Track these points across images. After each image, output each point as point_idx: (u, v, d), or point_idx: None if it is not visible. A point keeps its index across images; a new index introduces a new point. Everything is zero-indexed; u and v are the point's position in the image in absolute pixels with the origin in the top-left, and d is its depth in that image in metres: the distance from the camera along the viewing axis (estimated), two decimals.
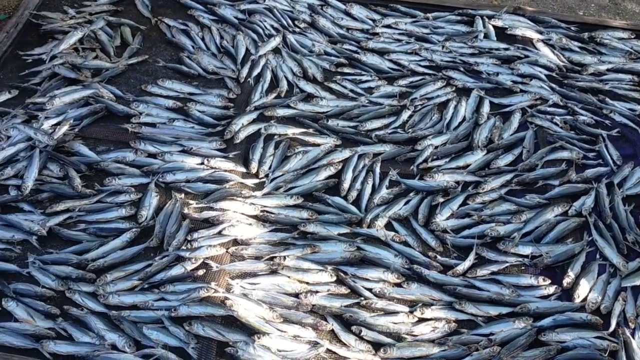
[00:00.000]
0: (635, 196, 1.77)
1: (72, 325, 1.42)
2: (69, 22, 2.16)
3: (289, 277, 1.55)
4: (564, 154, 1.86)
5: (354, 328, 1.46)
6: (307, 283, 1.54)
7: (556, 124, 1.96)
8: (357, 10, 2.36)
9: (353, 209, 1.73)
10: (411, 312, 1.50)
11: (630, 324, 1.48)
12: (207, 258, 1.56)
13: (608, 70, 2.19)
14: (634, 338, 1.45)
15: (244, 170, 1.79)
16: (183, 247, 1.58)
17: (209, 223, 1.64)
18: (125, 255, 1.57)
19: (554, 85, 2.10)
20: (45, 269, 1.52)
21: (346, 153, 1.85)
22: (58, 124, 1.81)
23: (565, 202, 1.73)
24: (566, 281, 1.56)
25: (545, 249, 1.62)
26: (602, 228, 1.67)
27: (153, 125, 1.88)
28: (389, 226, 1.70)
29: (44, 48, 2.06)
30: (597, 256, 1.62)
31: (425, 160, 1.85)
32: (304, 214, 1.69)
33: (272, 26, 2.27)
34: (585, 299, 1.52)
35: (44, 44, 2.09)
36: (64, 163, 1.73)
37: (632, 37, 2.34)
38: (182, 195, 1.70)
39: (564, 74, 2.16)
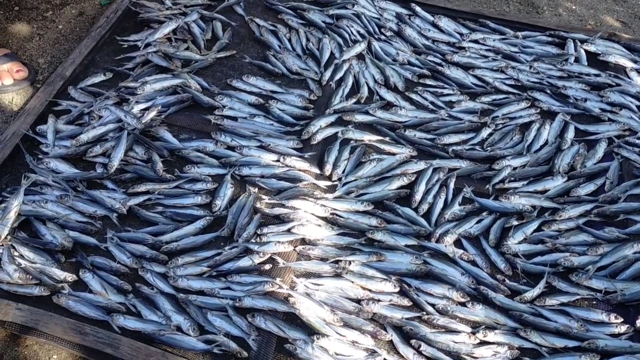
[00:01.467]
0: None
1: (141, 303, 1.48)
2: (164, 13, 2.25)
3: (352, 282, 1.55)
4: None
5: (413, 342, 1.45)
6: (370, 290, 1.55)
7: None
8: (445, 22, 2.34)
9: (423, 221, 1.72)
10: (473, 333, 1.47)
11: None
12: (274, 253, 1.58)
13: None
14: None
15: (317, 171, 1.81)
16: (252, 240, 1.61)
17: (279, 219, 1.67)
18: (196, 242, 1.61)
19: None
20: (122, 245, 1.59)
21: (421, 165, 1.84)
22: (147, 109, 1.89)
23: None
24: None
25: (620, 286, 1.55)
26: None
27: (234, 119, 1.93)
28: (458, 244, 1.68)
29: (139, 35, 2.16)
30: None
31: (502, 181, 1.81)
32: (373, 221, 1.69)
33: (358, 32, 2.29)
34: None
35: (140, 31, 2.19)
36: (148, 147, 1.81)
37: None
38: (256, 190, 1.74)
39: None
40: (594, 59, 2.23)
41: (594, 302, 1.55)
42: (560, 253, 1.64)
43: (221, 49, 2.19)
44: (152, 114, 1.85)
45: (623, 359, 1.42)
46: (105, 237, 1.60)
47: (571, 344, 1.46)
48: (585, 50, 2.25)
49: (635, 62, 2.22)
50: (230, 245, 1.61)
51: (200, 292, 1.51)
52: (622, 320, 1.50)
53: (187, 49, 2.15)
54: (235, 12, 2.36)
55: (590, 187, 1.80)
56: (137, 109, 1.87)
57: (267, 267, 1.56)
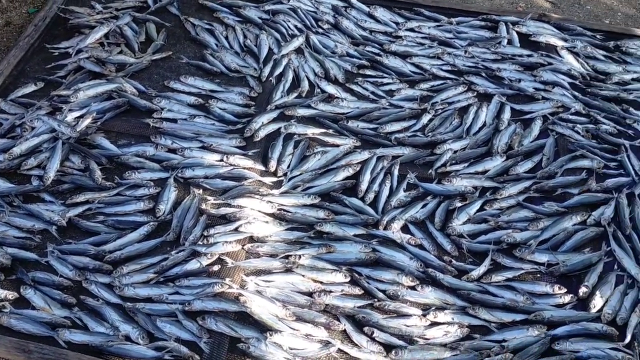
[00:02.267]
0: None
1: (87, 315, 1.44)
2: (95, 17, 2.19)
3: (303, 276, 1.55)
4: (585, 163, 1.84)
5: (366, 329, 1.46)
6: (321, 282, 1.55)
7: (578, 133, 1.94)
8: (380, 12, 2.36)
9: (370, 210, 1.73)
10: (424, 315, 1.49)
11: None
12: (222, 254, 1.57)
13: (633, 79, 2.16)
14: None
15: (262, 168, 1.80)
16: (199, 242, 1.59)
17: (225, 219, 1.65)
18: (141, 249, 1.58)
19: (576, 94, 2.08)
20: (64, 258, 1.55)
21: (365, 154, 1.85)
22: (81, 116, 1.84)
23: (584, 211, 1.71)
24: (582, 291, 1.54)
25: (562, 258, 1.60)
26: (621, 239, 1.65)
27: (174, 120, 1.90)
28: (405, 229, 1.70)
29: (70, 42, 2.10)
30: (615, 267, 1.60)
31: (444, 165, 1.84)
32: (321, 214, 1.69)
33: (295, 26, 2.28)
34: (601, 310, 1.50)
35: (71, 37, 2.13)
36: (85, 155, 1.76)
37: None
38: (200, 191, 1.72)
39: (587, 83, 2.14)
40: (526, 40, 2.29)
41: (538, 275, 1.59)
42: (503, 230, 1.67)
43: (156, 50, 2.15)
44: (87, 121, 1.81)
45: (568, 327, 1.47)
46: (46, 251, 1.55)
47: (518, 317, 1.49)
48: (517, 32, 2.30)
49: (565, 40, 2.28)
50: (176, 250, 1.58)
51: (148, 299, 1.48)
52: (565, 290, 1.55)
53: (120, 52, 2.11)
54: (170, 12, 2.31)
55: (528, 165, 1.85)
56: (70, 117, 1.82)
57: (216, 268, 1.55)
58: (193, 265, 1.54)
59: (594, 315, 1.50)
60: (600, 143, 1.93)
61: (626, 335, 1.45)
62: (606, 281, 1.55)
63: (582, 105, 2.04)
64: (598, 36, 2.32)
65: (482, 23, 2.36)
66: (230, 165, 1.78)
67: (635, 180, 1.81)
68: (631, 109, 2.04)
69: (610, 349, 1.43)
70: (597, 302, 1.51)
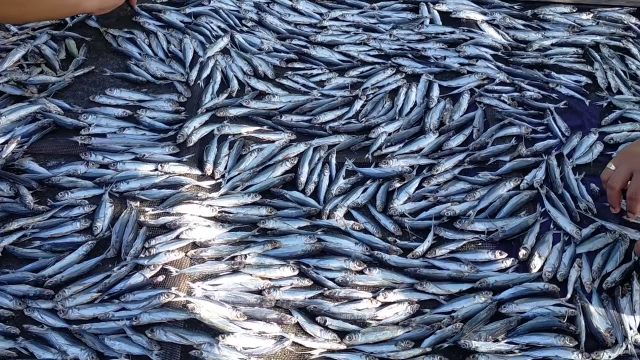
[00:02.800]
0: (584, 165, 1.82)
1: (33, 344, 1.40)
2: (11, 39, 2.12)
3: (251, 274, 1.55)
4: (513, 130, 1.90)
5: (318, 319, 1.47)
6: (270, 279, 1.55)
7: (504, 102, 2.00)
8: (303, 5, 2.37)
9: (311, 201, 1.74)
10: (374, 297, 1.51)
11: (586, 289, 1.51)
12: (166, 264, 1.54)
13: (552, 45, 2.24)
14: (590, 302, 1.48)
15: (199, 172, 1.78)
16: (141, 255, 1.56)
17: (166, 229, 1.63)
18: (82, 269, 1.54)
19: (500, 64, 2.14)
20: (2, 289, 1.49)
21: (301, 147, 1.86)
22: (6, 142, 1.77)
23: (517, 176, 1.77)
24: (522, 253, 1.59)
25: (500, 224, 1.65)
26: (554, 199, 1.71)
27: (103, 135, 1.85)
28: (348, 215, 1.71)
29: None
30: (551, 226, 1.65)
31: (380, 148, 1.87)
32: (263, 211, 1.69)
33: (219, 27, 2.26)
34: (541, 269, 1.56)
35: None
36: (14, 181, 1.70)
37: (574, 10, 2.40)
38: (138, 203, 1.69)
39: (509, 52, 2.20)
40: (447, 18, 2.34)
41: (479, 244, 1.63)
42: (443, 205, 1.71)
43: (78, 66, 2.09)
44: (12, 146, 1.75)
45: (512, 290, 1.51)
46: None
47: (465, 287, 1.53)
48: (438, 11, 2.35)
49: (484, 14, 2.35)
50: (118, 265, 1.55)
51: (95, 319, 1.45)
52: (506, 255, 1.59)
53: (41, 72, 2.04)
54: (88, 26, 2.26)
55: (460, 138, 1.89)
56: None
57: (160, 278, 1.52)
58: (137, 278, 1.52)
59: (535, 275, 1.55)
60: (526, 109, 1.99)
61: (567, 290, 1.51)
62: (544, 241, 1.60)
63: (506, 75, 2.10)
64: (516, 6, 2.39)
65: (404, 5, 2.40)
66: (166, 173, 1.75)
67: (563, 141, 1.88)
68: (553, 73, 2.11)
69: (554, 305, 1.48)
70: (537, 263, 1.56)
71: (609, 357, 1.39)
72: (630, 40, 2.28)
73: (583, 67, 2.15)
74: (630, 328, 1.44)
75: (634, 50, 2.23)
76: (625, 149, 1.65)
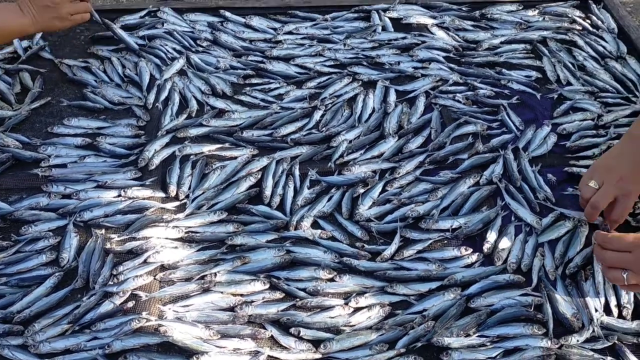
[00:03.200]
0: (540, 157, 1.87)
1: None
2: None
3: (222, 292, 1.55)
4: (470, 128, 1.95)
5: (292, 330, 1.47)
6: (242, 295, 1.55)
7: (459, 101, 2.05)
8: (256, 21, 2.39)
9: (278, 214, 1.75)
10: (346, 303, 1.53)
11: (550, 276, 1.55)
12: (135, 289, 1.54)
13: (501, 43, 2.30)
14: (555, 289, 1.52)
15: (163, 195, 1.78)
16: (109, 283, 1.55)
17: (133, 254, 1.62)
18: (51, 301, 1.53)
19: (452, 65, 2.20)
20: None
21: (264, 161, 1.87)
22: None
23: (476, 172, 1.81)
24: (486, 247, 1.62)
25: (463, 220, 1.68)
26: (513, 191, 1.75)
27: (64, 165, 1.84)
28: (315, 225, 1.73)
29: None
30: (512, 218, 1.70)
31: (342, 155, 1.89)
32: (230, 228, 1.70)
33: (174, 49, 2.27)
34: (506, 261, 1.59)
35: None
36: None
37: (520, 8, 2.48)
38: (103, 231, 1.68)
39: (460, 53, 2.26)
40: (398, 24, 2.39)
41: (445, 242, 1.66)
42: (407, 206, 1.74)
43: (34, 99, 2.07)
44: None
45: (480, 284, 1.54)
46: None
47: (434, 285, 1.55)
48: (389, 18, 2.40)
49: (434, 18, 2.41)
50: (87, 295, 1.53)
51: (67, 351, 1.43)
52: (471, 250, 1.63)
53: None
54: (42, 57, 2.25)
55: (419, 140, 1.93)
56: None
57: (130, 304, 1.51)
58: (107, 306, 1.50)
59: (500, 267, 1.58)
60: (480, 107, 2.04)
61: (532, 279, 1.55)
62: (506, 233, 1.64)
63: (459, 75, 2.15)
64: (464, 8, 2.46)
65: (356, 15, 2.44)
66: (129, 198, 1.75)
67: (518, 135, 1.93)
68: (504, 70, 2.17)
69: (521, 295, 1.51)
70: (501, 255, 1.60)
71: (577, 341, 1.42)
72: (576, 32, 2.36)
73: (532, 62, 2.22)
74: (596, 310, 1.48)
75: (580, 42, 2.31)
76: (601, 163, 1.62)
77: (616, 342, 1.42)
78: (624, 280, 1.30)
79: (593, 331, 1.44)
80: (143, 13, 2.42)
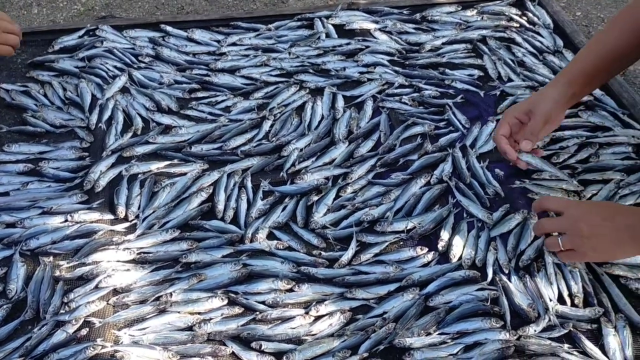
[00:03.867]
0: (487, 152, 1.90)
1: None
2: None
3: (179, 312, 1.51)
4: (418, 129, 1.97)
5: (253, 344, 1.45)
6: (199, 313, 1.52)
7: (405, 103, 2.08)
8: (199, 34, 2.37)
9: (232, 227, 1.73)
10: (307, 313, 1.52)
11: (504, 269, 1.58)
12: (88, 316, 1.49)
13: (443, 44, 2.34)
14: (510, 281, 1.55)
15: (111, 217, 1.73)
16: (61, 311, 1.50)
17: (84, 280, 1.57)
18: (0, 335, 1.46)
19: (397, 68, 2.22)
20: None
21: (215, 175, 1.85)
22: None
23: (427, 172, 1.83)
24: (441, 245, 1.64)
25: (416, 220, 1.70)
26: (463, 188, 1.78)
27: (6, 193, 1.77)
28: (271, 236, 1.71)
29: None
30: (464, 215, 1.72)
31: (293, 164, 1.88)
32: (184, 245, 1.66)
33: (115, 66, 2.23)
34: (460, 257, 1.62)
35: None
36: None
37: (459, 9, 2.53)
38: (51, 258, 1.62)
39: (404, 56, 2.29)
40: (341, 30, 2.40)
41: (401, 243, 1.67)
42: (361, 211, 1.74)
43: None
44: None
45: (437, 282, 1.55)
46: None
47: (393, 287, 1.56)
48: (332, 25, 2.41)
49: (376, 22, 2.43)
50: (39, 325, 1.48)
51: None
52: (427, 249, 1.64)
53: None
54: None
55: (369, 144, 1.94)
56: None
57: (84, 332, 1.47)
58: (59, 336, 1.45)
59: (455, 264, 1.60)
60: (427, 108, 2.07)
61: (487, 273, 1.57)
62: (459, 230, 1.67)
63: (404, 77, 2.18)
64: (404, 12, 2.49)
65: (299, 23, 2.45)
66: (77, 223, 1.69)
67: (464, 132, 1.97)
68: (447, 70, 2.21)
69: (477, 290, 1.53)
70: (455, 252, 1.62)
71: (535, 331, 1.45)
72: (514, 30, 2.42)
73: (474, 61, 2.27)
74: (550, 300, 1.51)
75: (518, 38, 2.37)
76: (512, 107, 1.75)
77: (571, 329, 1.45)
78: (560, 245, 1.38)
79: (549, 320, 1.47)
80: (81, 32, 2.36)
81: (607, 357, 1.41)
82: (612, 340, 1.43)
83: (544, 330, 1.46)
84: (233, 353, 1.45)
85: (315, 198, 1.79)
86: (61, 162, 1.88)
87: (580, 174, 1.82)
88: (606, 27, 1.74)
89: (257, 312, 1.52)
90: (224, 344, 1.46)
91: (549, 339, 1.44)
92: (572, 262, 1.54)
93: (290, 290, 1.57)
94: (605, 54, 1.68)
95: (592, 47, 1.72)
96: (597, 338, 1.45)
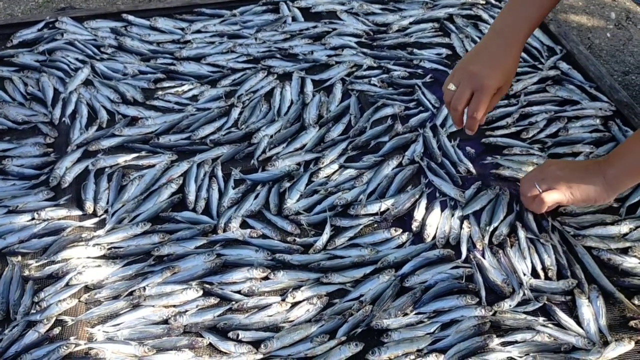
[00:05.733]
0: (457, 131, 1.90)
1: None
2: None
3: (153, 306, 1.49)
4: (388, 111, 1.96)
5: (230, 334, 1.44)
6: (174, 306, 1.50)
7: (375, 85, 2.06)
8: (162, 22, 2.32)
9: (205, 218, 1.71)
10: (283, 300, 1.51)
11: (478, 246, 1.59)
12: (60, 314, 1.46)
13: (410, 23, 2.33)
14: (484, 258, 1.56)
15: (80, 212, 1.69)
16: (32, 311, 1.47)
17: (54, 278, 1.54)
18: None
19: (365, 50, 2.21)
20: None
21: (184, 166, 1.82)
22: None
23: (398, 154, 1.83)
24: (414, 225, 1.64)
25: (390, 202, 1.69)
26: (435, 168, 1.78)
27: None
28: (244, 224, 1.69)
29: None
30: (437, 194, 1.72)
31: (264, 151, 1.86)
32: (156, 238, 1.64)
33: (76, 59, 2.16)
34: (434, 237, 1.62)
35: None
36: None
37: None
38: (19, 258, 1.58)
39: (372, 37, 2.27)
40: (308, 14, 2.37)
41: (375, 225, 1.67)
42: (334, 195, 1.73)
43: None
44: None
45: (412, 263, 1.56)
46: None
47: (368, 269, 1.56)
48: (298, 8, 2.38)
49: (342, 4, 2.40)
50: (9, 327, 1.44)
51: None
52: (401, 230, 1.64)
53: None
54: None
55: (340, 128, 1.93)
56: None
57: (57, 331, 1.43)
58: (31, 336, 1.42)
59: (430, 244, 1.60)
60: (396, 89, 2.07)
61: (462, 251, 1.58)
62: (432, 210, 1.67)
63: (372, 59, 2.16)
64: None
65: (264, 7, 2.41)
66: (44, 220, 1.65)
67: (434, 112, 1.96)
68: (415, 50, 2.21)
69: (452, 268, 1.54)
70: (429, 232, 1.62)
71: (510, 306, 1.47)
72: (480, 7, 2.42)
73: (441, 40, 2.26)
74: (524, 274, 1.53)
75: (485, 15, 2.37)
76: (460, 66, 1.59)
77: (546, 302, 1.47)
78: (537, 189, 1.50)
79: (523, 295, 1.48)
80: (41, 25, 2.29)
81: (582, 327, 1.43)
82: (586, 310, 1.45)
83: (519, 304, 1.47)
84: (210, 344, 1.43)
85: (288, 184, 1.77)
86: (25, 159, 1.82)
87: (550, 148, 1.84)
88: None
89: (233, 302, 1.51)
90: (201, 336, 1.44)
91: (524, 312, 1.45)
92: (552, 201, 1.53)
93: (266, 278, 1.56)
94: None
95: None
96: (572, 309, 1.47)
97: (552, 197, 1.51)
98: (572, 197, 1.51)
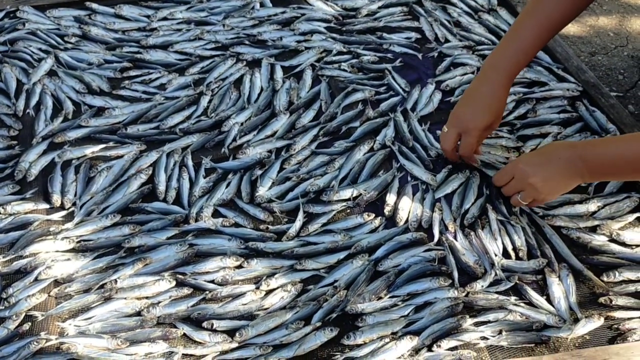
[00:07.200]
0: (428, 115, 1.91)
1: None
2: None
3: (125, 298, 1.47)
4: (358, 96, 1.96)
5: (205, 324, 1.43)
6: (147, 297, 1.48)
7: (345, 70, 2.06)
8: (127, 10, 2.27)
9: (176, 208, 1.69)
10: (257, 288, 1.50)
11: (450, 229, 1.60)
12: (29, 310, 1.43)
13: (379, 8, 2.32)
14: (456, 240, 1.57)
15: (47, 206, 1.66)
16: (0, 307, 1.43)
17: (22, 273, 1.51)
18: None
19: (334, 35, 2.19)
20: None
21: (153, 156, 1.79)
22: None
23: (370, 138, 1.83)
24: (387, 210, 1.65)
25: (362, 187, 1.70)
26: (406, 152, 1.79)
27: None
28: (216, 214, 1.68)
29: None
30: (409, 178, 1.73)
31: (234, 139, 1.84)
32: (126, 230, 1.61)
33: (39, 49, 2.11)
34: (407, 221, 1.63)
35: None
36: None
37: None
38: None
39: (341, 22, 2.26)
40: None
41: (348, 211, 1.67)
42: (306, 181, 1.72)
43: None
44: None
45: (385, 247, 1.56)
46: None
47: (342, 255, 1.56)
48: None
49: None
50: None
51: None
52: (374, 215, 1.64)
53: None
54: None
55: (310, 114, 1.92)
56: None
57: (27, 327, 1.41)
58: (0, 333, 1.39)
59: (402, 227, 1.61)
60: (366, 74, 2.06)
61: (434, 234, 1.59)
62: (404, 194, 1.67)
63: (342, 44, 2.15)
64: None
65: None
66: (10, 215, 1.61)
67: (405, 96, 1.97)
68: (384, 34, 2.20)
69: (424, 251, 1.55)
70: (402, 216, 1.63)
71: (482, 286, 1.48)
72: None
73: (410, 24, 2.26)
74: (495, 255, 1.55)
75: None
76: (453, 109, 1.68)
77: (517, 282, 1.49)
78: (521, 202, 1.56)
79: (495, 275, 1.50)
80: (1, 15, 2.23)
81: (553, 305, 1.45)
82: (557, 289, 1.47)
83: (491, 285, 1.49)
84: (185, 335, 1.42)
85: (259, 172, 1.76)
86: None
87: (519, 129, 1.86)
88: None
89: (207, 292, 1.50)
90: (175, 327, 1.43)
91: (496, 292, 1.47)
92: (527, 202, 1.56)
93: (240, 266, 1.55)
94: (549, 25, 1.58)
95: (527, 22, 1.59)
96: (543, 288, 1.49)
97: (527, 199, 1.55)
98: (556, 196, 1.58)
